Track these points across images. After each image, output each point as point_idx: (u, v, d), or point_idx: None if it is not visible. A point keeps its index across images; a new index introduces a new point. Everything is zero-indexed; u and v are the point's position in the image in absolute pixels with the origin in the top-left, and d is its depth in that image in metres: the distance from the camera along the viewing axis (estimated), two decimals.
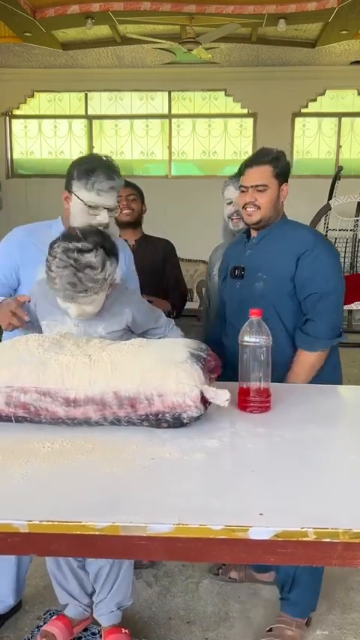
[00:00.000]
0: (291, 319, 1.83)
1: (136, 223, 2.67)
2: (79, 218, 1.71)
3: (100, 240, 1.47)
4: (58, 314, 1.57)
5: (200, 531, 0.90)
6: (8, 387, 1.25)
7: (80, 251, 1.41)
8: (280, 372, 1.77)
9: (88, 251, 1.42)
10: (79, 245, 1.42)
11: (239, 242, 2.03)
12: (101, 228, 1.65)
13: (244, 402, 1.41)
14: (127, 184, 2.66)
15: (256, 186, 1.82)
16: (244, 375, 1.42)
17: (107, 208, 1.71)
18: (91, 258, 1.42)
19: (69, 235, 1.47)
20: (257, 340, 1.40)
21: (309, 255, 1.78)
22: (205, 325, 2.63)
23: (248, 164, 1.85)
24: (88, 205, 1.69)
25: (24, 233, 1.83)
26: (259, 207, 1.83)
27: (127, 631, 1.79)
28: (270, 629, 1.89)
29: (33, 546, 0.97)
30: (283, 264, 1.81)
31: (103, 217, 1.70)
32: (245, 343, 1.41)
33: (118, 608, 1.79)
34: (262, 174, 1.82)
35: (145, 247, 2.67)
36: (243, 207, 1.86)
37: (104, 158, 1.74)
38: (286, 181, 1.87)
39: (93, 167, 1.69)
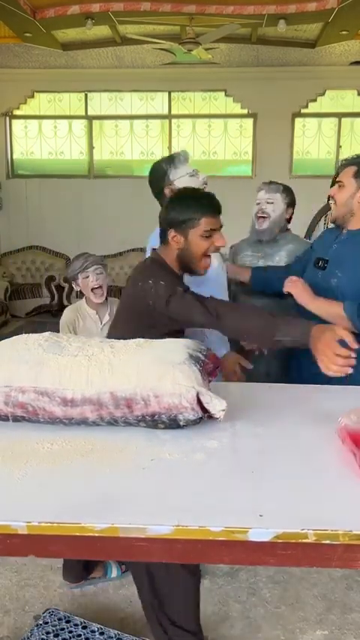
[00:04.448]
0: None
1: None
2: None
3: None
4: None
5: (200, 533, 0.89)
6: (7, 387, 1.25)
7: None
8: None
9: None
10: None
11: (331, 233, 2.09)
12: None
13: None
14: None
15: (338, 182, 1.94)
16: None
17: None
18: None
19: None
20: None
21: None
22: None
23: (343, 163, 1.97)
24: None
25: None
26: (335, 203, 1.95)
27: None
28: None
29: (32, 548, 0.97)
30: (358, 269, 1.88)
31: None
32: None
33: None
34: (345, 172, 1.92)
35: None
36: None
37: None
38: None
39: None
